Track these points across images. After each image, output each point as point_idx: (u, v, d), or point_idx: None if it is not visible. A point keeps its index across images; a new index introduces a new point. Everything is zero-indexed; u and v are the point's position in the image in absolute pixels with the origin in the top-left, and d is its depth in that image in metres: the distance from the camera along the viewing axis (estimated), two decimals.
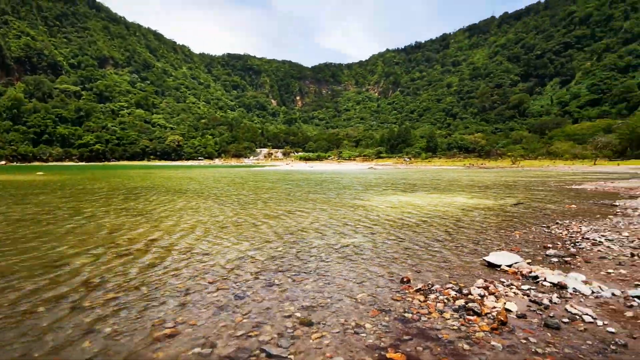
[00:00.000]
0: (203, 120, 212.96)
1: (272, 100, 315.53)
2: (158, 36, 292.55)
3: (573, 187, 21.22)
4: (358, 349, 3.19)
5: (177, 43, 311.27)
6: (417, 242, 7.30)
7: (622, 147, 71.35)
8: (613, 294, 4.25)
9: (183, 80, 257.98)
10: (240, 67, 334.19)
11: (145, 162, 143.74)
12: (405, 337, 3.37)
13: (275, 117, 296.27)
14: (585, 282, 4.59)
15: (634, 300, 4.05)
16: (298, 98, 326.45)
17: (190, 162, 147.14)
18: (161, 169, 65.10)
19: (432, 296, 4.27)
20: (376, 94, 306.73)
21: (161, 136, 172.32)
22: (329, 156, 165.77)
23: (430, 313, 3.83)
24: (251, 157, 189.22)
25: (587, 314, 3.68)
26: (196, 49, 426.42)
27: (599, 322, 3.55)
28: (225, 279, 5.14)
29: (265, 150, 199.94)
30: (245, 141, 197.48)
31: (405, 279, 4.89)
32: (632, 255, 5.94)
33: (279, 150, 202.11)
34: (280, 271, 5.45)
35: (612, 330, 3.41)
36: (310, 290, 4.66)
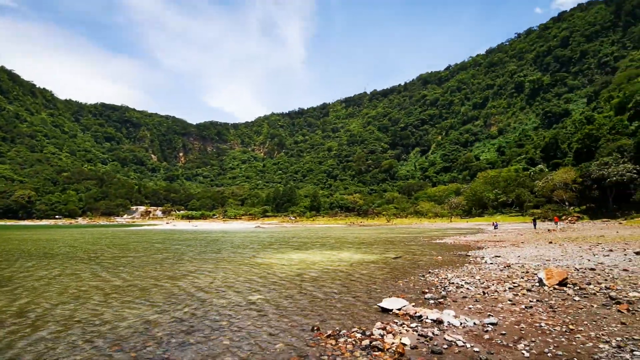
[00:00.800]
0: (65, 174, 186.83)
1: (152, 155, 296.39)
2: (12, 76, 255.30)
3: (437, 241, 24.81)
4: None
5: (37, 86, 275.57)
6: (318, 294, 7.90)
7: (468, 207, 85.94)
8: (474, 323, 5.42)
9: (41, 127, 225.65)
10: (116, 118, 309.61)
11: None
12: None
13: (155, 173, 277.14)
14: (455, 317, 5.72)
15: (488, 327, 5.26)
16: (181, 154, 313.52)
17: (45, 222, 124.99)
18: (5, 230, 54.04)
19: (341, 340, 4.83)
20: (262, 154, 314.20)
21: (6, 190, 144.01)
22: (213, 214, 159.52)
23: (343, 354, 4.37)
24: (125, 216, 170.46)
25: (459, 340, 4.67)
26: (62, 95, 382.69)
27: (468, 345, 4.55)
28: (143, 343, 4.88)
29: (142, 208, 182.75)
30: (119, 198, 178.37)
31: (315, 328, 5.37)
32: (484, 293, 7.52)
33: (158, 208, 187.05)
34: (193, 331, 5.40)
35: (477, 349, 4.43)
36: (230, 345, 4.78)
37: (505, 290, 7.66)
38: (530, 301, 6.68)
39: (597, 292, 7.15)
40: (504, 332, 5.02)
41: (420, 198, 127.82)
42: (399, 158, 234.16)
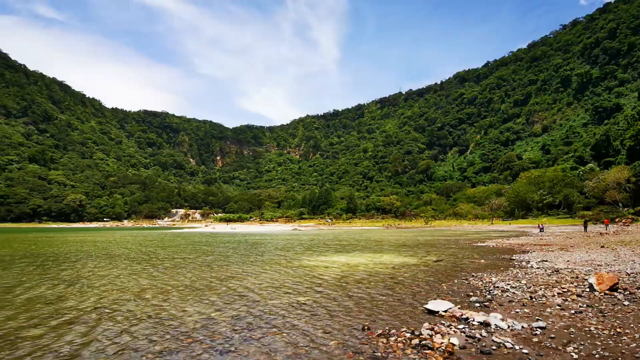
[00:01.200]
0: (112, 178, 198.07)
1: (191, 160, 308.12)
2: (64, 87, 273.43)
3: (479, 244, 24.34)
4: None
5: (87, 96, 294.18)
6: (364, 296, 8.22)
7: (510, 209, 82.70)
8: (522, 327, 5.54)
9: (90, 135, 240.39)
10: (157, 124, 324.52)
11: (35, 225, 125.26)
12: None
13: (194, 176, 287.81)
14: (502, 320, 5.86)
15: (537, 330, 5.36)
16: (218, 158, 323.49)
17: (94, 224, 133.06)
18: (61, 232, 58.39)
19: (392, 339, 5.14)
20: (297, 157, 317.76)
21: (59, 194, 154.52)
22: (250, 217, 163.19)
23: (394, 351, 4.68)
24: (166, 219, 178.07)
25: (507, 342, 4.85)
26: (109, 104, 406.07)
27: (517, 347, 4.72)
28: (211, 337, 5.44)
29: (181, 211, 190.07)
30: (160, 201, 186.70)
31: (366, 327, 5.71)
32: (531, 298, 7.53)
33: (197, 211, 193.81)
34: (253, 328, 5.90)
35: (526, 351, 4.59)
36: (289, 341, 5.23)
37: (553, 295, 7.63)
38: (580, 306, 6.65)
39: None
40: (553, 335, 5.13)
41: (459, 199, 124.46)
42: (436, 159, 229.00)
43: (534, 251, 17.96)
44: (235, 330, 5.82)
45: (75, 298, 8.23)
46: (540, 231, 37.50)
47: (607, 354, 4.42)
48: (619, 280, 8.32)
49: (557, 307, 6.70)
